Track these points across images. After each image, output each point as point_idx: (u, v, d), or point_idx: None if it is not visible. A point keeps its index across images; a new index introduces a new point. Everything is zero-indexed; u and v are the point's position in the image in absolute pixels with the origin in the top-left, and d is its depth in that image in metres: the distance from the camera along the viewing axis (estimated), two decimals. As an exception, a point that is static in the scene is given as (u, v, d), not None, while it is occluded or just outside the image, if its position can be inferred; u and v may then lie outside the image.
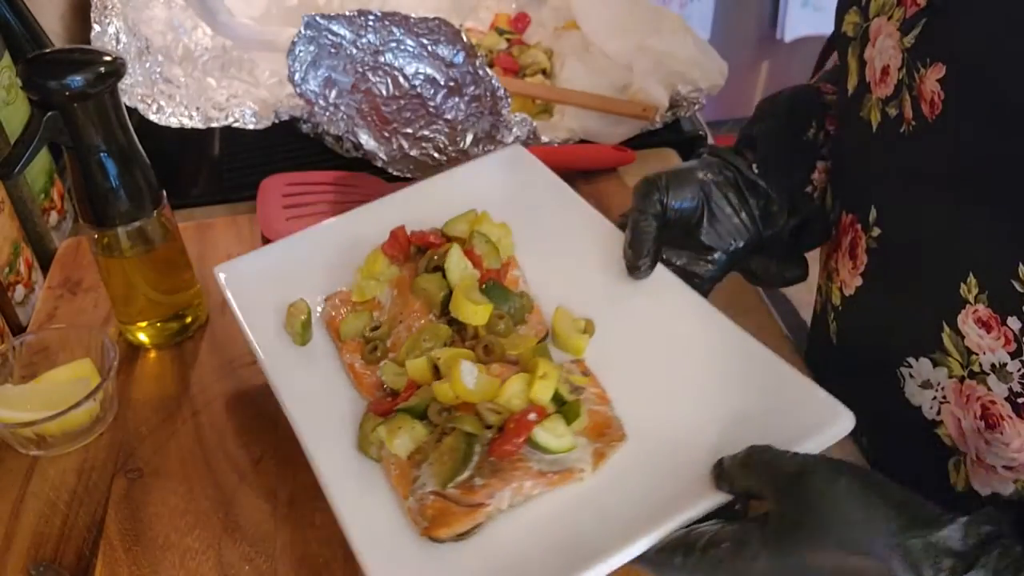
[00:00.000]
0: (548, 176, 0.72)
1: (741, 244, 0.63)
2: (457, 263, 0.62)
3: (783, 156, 0.65)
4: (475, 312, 0.59)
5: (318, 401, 0.60)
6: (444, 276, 0.62)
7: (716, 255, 0.63)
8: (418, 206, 0.70)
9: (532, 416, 0.52)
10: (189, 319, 0.73)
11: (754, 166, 0.64)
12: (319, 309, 0.67)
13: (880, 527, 0.40)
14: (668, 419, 0.54)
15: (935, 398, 0.55)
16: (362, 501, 0.53)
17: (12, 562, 0.57)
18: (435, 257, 0.63)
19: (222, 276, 0.67)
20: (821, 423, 0.49)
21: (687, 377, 0.55)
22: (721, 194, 0.63)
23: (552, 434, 0.52)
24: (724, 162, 0.64)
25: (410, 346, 0.60)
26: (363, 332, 0.63)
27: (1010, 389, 0.50)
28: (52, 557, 0.57)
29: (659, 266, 0.61)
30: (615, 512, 0.50)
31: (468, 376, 0.54)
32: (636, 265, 0.61)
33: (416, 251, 0.66)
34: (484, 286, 0.61)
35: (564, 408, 0.54)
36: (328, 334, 0.65)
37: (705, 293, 0.63)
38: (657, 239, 0.61)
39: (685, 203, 0.62)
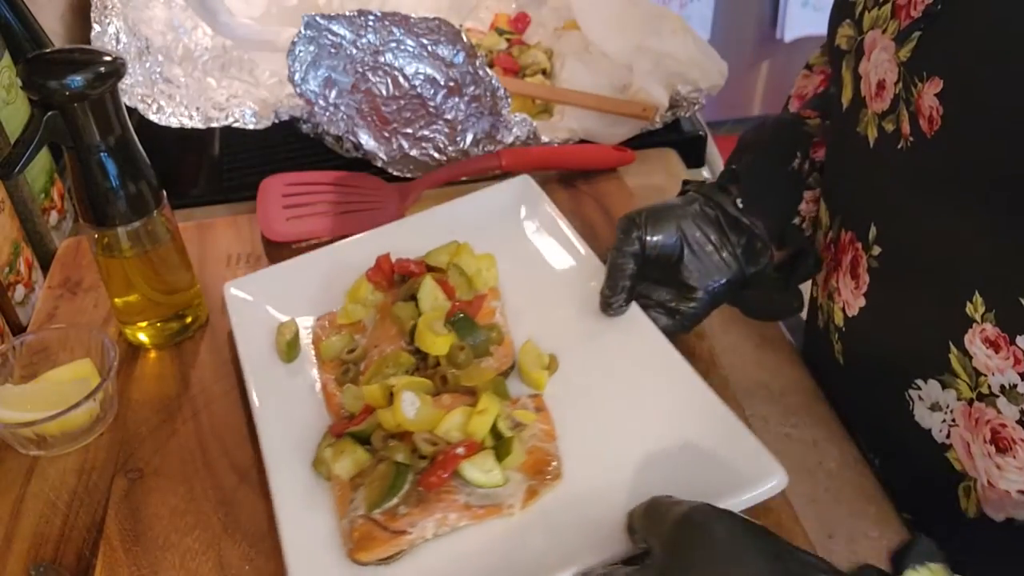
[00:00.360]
0: (550, 210, 0.74)
1: (723, 281, 0.63)
2: (429, 293, 0.64)
3: (768, 190, 0.65)
4: (435, 342, 0.61)
5: (290, 417, 0.62)
6: (417, 305, 0.64)
7: (698, 293, 0.63)
8: (425, 232, 0.73)
9: (460, 450, 0.53)
10: (189, 319, 0.73)
11: (738, 202, 0.64)
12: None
13: None
14: (610, 462, 0.55)
15: (944, 421, 0.54)
16: (305, 516, 0.55)
17: (12, 562, 0.57)
18: (412, 286, 0.65)
19: (230, 292, 0.71)
20: (755, 480, 0.50)
21: (638, 422, 0.56)
22: (702, 232, 0.63)
23: (480, 469, 0.53)
24: (707, 199, 0.64)
25: (373, 371, 0.62)
26: (341, 354, 0.65)
27: (1021, 411, 0.49)
28: (52, 557, 0.57)
29: (635, 308, 0.62)
30: (537, 549, 0.51)
31: (409, 406, 0.55)
32: (609, 302, 0.62)
33: (400, 279, 0.67)
34: (452, 317, 0.63)
35: (498, 444, 0.55)
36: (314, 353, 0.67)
37: (687, 329, 0.64)
38: (633, 276, 0.62)
39: (664, 240, 0.62)
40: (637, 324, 0.61)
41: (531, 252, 0.72)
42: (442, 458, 0.53)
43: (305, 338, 0.68)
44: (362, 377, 0.63)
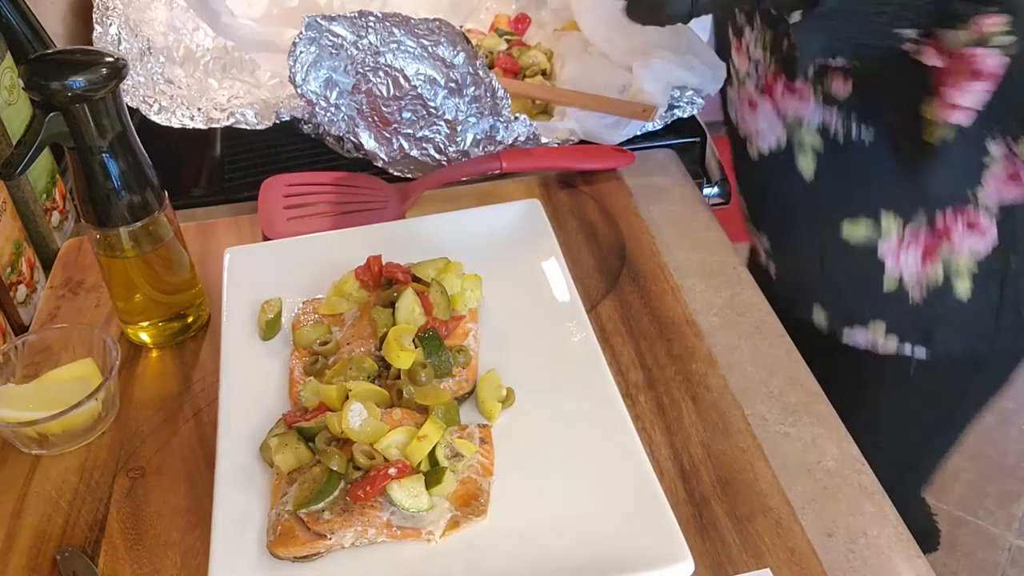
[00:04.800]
0: (551, 242, 0.74)
1: None
2: (407, 306, 0.65)
3: None
4: (399, 356, 0.61)
5: (254, 395, 0.64)
6: (394, 314, 0.65)
7: None
8: (428, 237, 0.75)
9: (392, 470, 0.54)
10: (191, 319, 0.73)
11: None
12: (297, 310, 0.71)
13: None
14: (537, 510, 0.56)
15: None
16: (241, 497, 0.56)
17: (14, 561, 0.57)
18: (393, 294, 0.66)
19: (227, 258, 0.73)
20: (663, 563, 0.51)
21: (573, 477, 0.57)
22: None
23: (407, 493, 0.54)
24: None
25: (337, 371, 0.63)
26: (314, 344, 0.66)
27: None
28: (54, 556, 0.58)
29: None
30: None
31: (355, 416, 0.57)
32: None
33: (386, 282, 0.68)
34: (423, 334, 0.63)
35: (431, 471, 0.56)
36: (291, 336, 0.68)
37: None
38: None
39: None
40: (600, 380, 0.62)
41: (521, 280, 0.72)
42: (374, 474, 0.54)
43: (290, 318, 0.70)
44: (328, 371, 0.64)
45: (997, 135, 0.66)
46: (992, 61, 0.57)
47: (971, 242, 0.73)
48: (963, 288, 0.75)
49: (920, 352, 0.82)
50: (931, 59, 0.60)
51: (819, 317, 0.85)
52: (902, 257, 0.76)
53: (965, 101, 0.60)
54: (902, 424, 0.95)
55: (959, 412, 0.96)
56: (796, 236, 0.83)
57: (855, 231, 0.77)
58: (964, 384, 0.89)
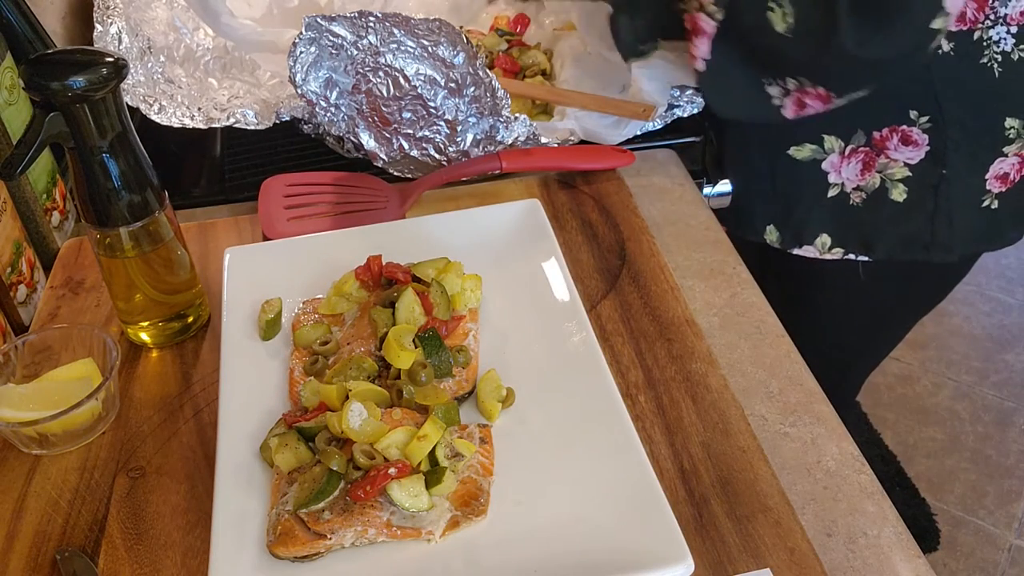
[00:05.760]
0: (550, 243, 0.74)
1: None
2: (407, 306, 0.65)
3: None
4: (399, 356, 0.61)
5: (254, 396, 0.64)
6: (394, 314, 0.65)
7: None
8: (427, 237, 0.75)
9: (392, 470, 0.54)
10: (191, 319, 0.73)
11: None
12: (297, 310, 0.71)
13: None
14: (537, 510, 0.56)
15: None
16: (240, 497, 0.57)
17: (14, 561, 0.57)
18: (393, 294, 0.66)
19: (227, 258, 0.74)
20: (664, 562, 0.51)
21: (573, 477, 0.57)
22: None
23: (407, 493, 0.54)
24: None
25: (337, 370, 0.63)
26: (314, 343, 0.66)
27: None
28: (54, 556, 0.58)
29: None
30: None
31: (355, 416, 0.57)
32: None
33: (386, 282, 0.68)
34: (423, 334, 0.63)
35: (431, 471, 0.56)
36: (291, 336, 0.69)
37: None
38: None
39: None
40: (600, 380, 0.62)
41: (521, 280, 0.72)
42: (374, 474, 0.54)
43: (290, 318, 0.70)
44: (328, 371, 0.64)
45: (770, 80, 0.80)
46: (706, 24, 0.78)
47: (905, 155, 0.87)
48: (897, 192, 0.89)
49: (864, 259, 0.94)
50: (686, 23, 0.81)
51: (771, 236, 0.97)
52: (843, 170, 0.90)
53: (698, 52, 0.80)
54: (846, 327, 1.08)
55: (900, 313, 1.10)
56: (750, 161, 0.95)
57: (800, 152, 0.91)
58: (906, 287, 1.02)
